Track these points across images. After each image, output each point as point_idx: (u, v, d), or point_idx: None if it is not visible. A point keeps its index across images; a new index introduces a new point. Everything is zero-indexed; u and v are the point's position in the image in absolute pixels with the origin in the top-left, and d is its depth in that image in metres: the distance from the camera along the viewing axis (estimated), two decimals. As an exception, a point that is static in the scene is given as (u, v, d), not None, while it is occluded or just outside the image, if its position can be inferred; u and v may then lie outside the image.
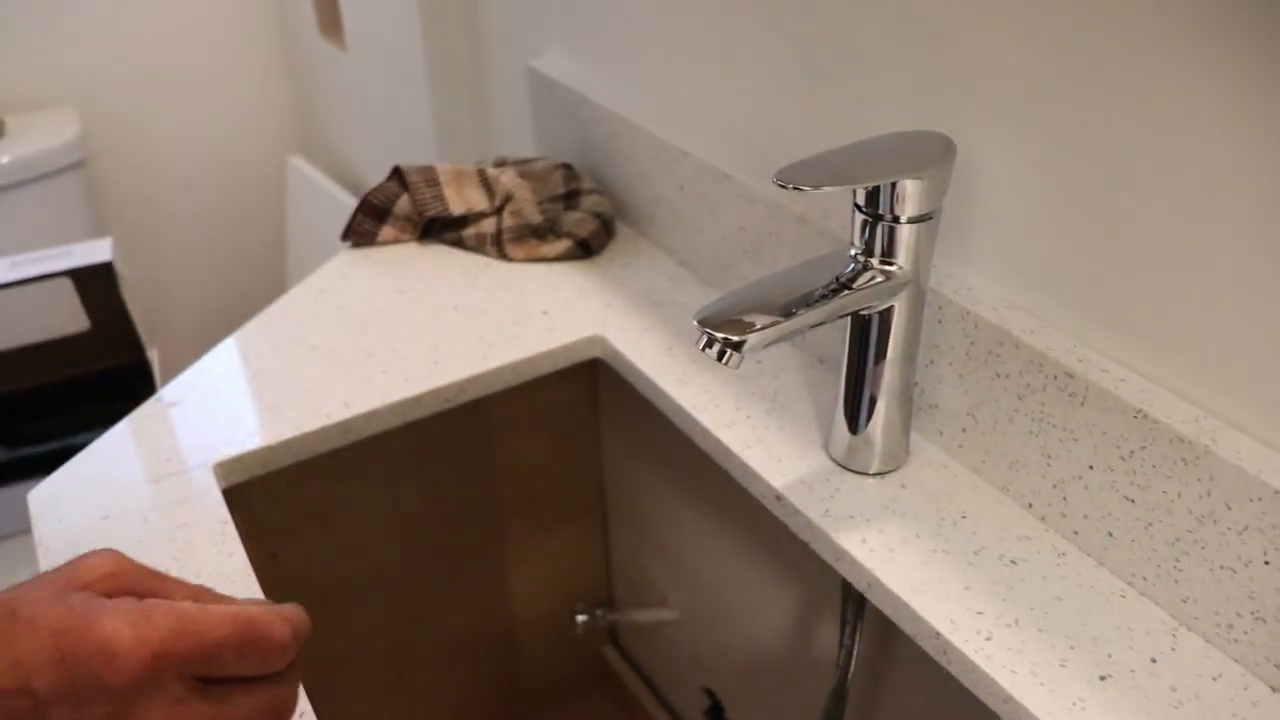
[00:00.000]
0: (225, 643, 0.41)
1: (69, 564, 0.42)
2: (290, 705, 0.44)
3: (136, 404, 0.79)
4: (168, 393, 0.80)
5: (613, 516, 1.10)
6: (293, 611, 0.44)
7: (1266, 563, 0.53)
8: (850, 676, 0.79)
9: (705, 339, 0.57)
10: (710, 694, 1.08)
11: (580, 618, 1.15)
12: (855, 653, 0.77)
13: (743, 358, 0.57)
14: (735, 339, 0.57)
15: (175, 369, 0.83)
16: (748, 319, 0.58)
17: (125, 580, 0.42)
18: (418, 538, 0.94)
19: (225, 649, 0.41)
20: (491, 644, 1.12)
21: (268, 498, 0.77)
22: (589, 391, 0.98)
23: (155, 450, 0.75)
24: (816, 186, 0.55)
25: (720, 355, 0.57)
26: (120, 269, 1.35)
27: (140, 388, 1.47)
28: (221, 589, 0.62)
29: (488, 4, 1.16)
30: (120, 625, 0.39)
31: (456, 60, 1.24)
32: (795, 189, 0.55)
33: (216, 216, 1.84)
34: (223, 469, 0.73)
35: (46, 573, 0.42)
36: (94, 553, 0.43)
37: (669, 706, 1.16)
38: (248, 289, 1.93)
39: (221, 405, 0.78)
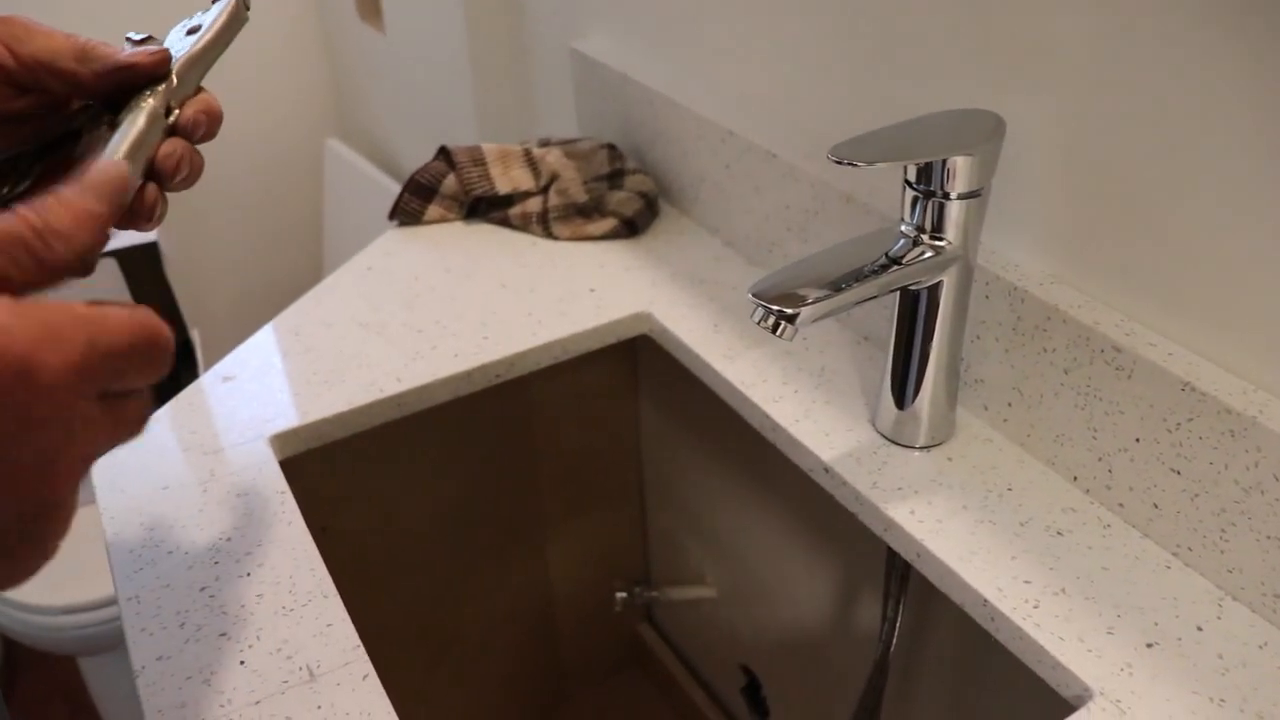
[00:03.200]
0: (131, 349, 0.37)
1: None
2: (150, 411, 0.41)
3: (179, 383, 0.81)
4: (222, 368, 0.82)
5: (650, 495, 1.11)
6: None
7: (1314, 532, 0.54)
8: (893, 649, 0.80)
9: (760, 311, 0.59)
10: (747, 671, 1.10)
11: (619, 595, 1.17)
12: (898, 625, 0.79)
13: (796, 330, 0.58)
14: (789, 311, 0.58)
15: (215, 348, 0.85)
16: (801, 292, 0.59)
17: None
18: (460, 515, 0.96)
19: (132, 355, 0.37)
20: (531, 621, 1.14)
21: (317, 473, 0.79)
22: (628, 371, 0.99)
23: (212, 424, 0.77)
24: (871, 163, 0.56)
25: (775, 327, 0.58)
26: (164, 250, 1.37)
27: (183, 367, 1.50)
28: (282, 556, 0.64)
29: (529, -14, 1.17)
30: (33, 343, 0.34)
31: (498, 42, 1.25)
32: (850, 164, 0.56)
33: (255, 198, 1.86)
34: (278, 441, 0.75)
35: None
36: None
37: (705, 684, 1.18)
38: (285, 269, 1.95)
39: (275, 380, 0.80)
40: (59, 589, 1.39)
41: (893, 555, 0.75)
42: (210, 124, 0.50)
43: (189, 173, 0.48)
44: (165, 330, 0.39)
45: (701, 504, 1.03)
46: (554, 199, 0.97)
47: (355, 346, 0.83)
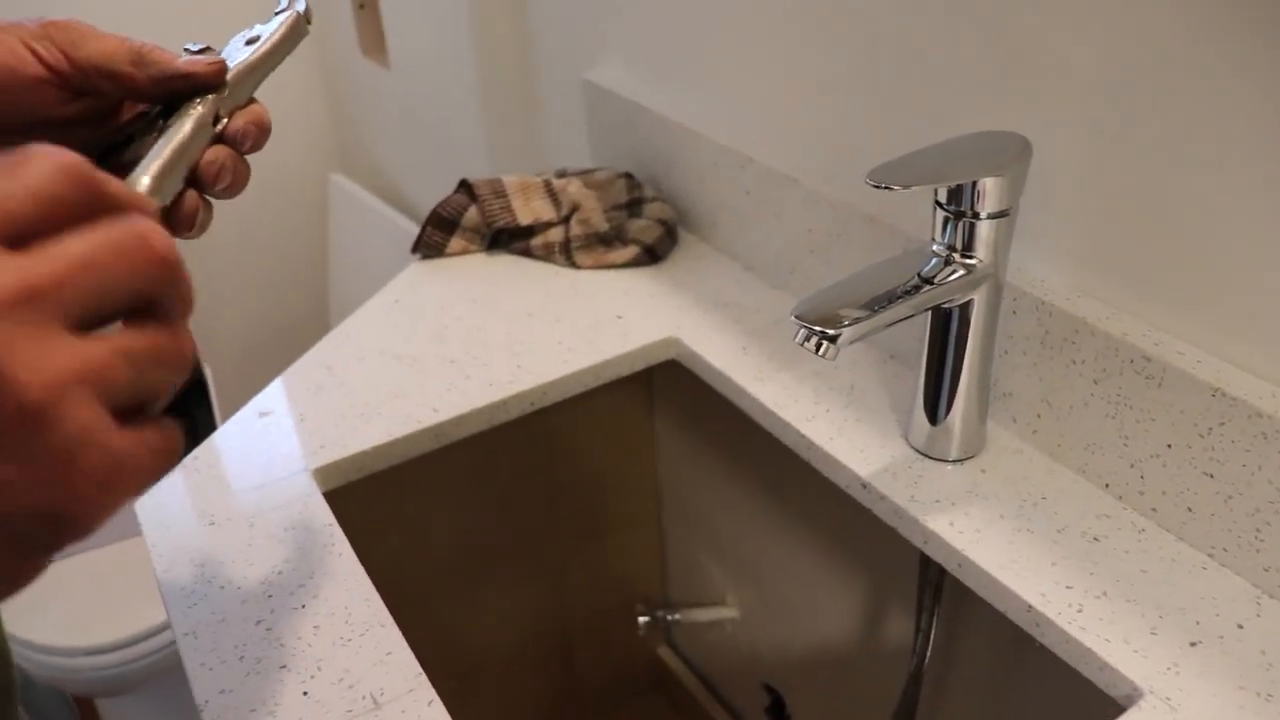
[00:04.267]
0: (151, 350, 0.33)
1: None
2: (190, 351, 0.34)
3: (194, 419, 0.82)
4: (258, 403, 0.84)
5: (669, 519, 1.13)
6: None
7: (1349, 529, 0.56)
8: (927, 661, 0.81)
9: (803, 333, 0.60)
10: (770, 690, 1.11)
11: (642, 619, 1.18)
12: (932, 638, 0.80)
13: (839, 350, 0.60)
14: (831, 332, 0.60)
15: (223, 383, 0.86)
16: (841, 313, 0.61)
17: None
18: (486, 543, 0.97)
19: (151, 356, 0.32)
20: (554, 646, 1.15)
21: (353, 504, 0.80)
22: (644, 397, 1.01)
23: (253, 459, 0.78)
24: (907, 186, 0.58)
25: (818, 347, 0.60)
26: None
27: (197, 403, 1.50)
28: (335, 587, 0.66)
29: (539, 19, 1.19)
30: (28, 364, 0.29)
31: (508, 73, 1.27)
32: (888, 188, 0.58)
33: (260, 233, 1.88)
34: (321, 474, 0.76)
35: None
36: None
37: (728, 704, 1.19)
38: (292, 306, 1.96)
39: (313, 414, 0.82)
40: (79, 631, 1.40)
41: (925, 568, 0.77)
42: (259, 135, 0.50)
43: (231, 181, 0.48)
44: (186, 338, 0.34)
45: (721, 525, 1.04)
46: (576, 228, 0.99)
47: (389, 379, 0.85)
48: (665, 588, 1.20)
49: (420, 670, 0.60)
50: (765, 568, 1.01)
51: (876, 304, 0.62)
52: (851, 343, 0.61)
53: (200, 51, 0.50)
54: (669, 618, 1.18)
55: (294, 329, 1.93)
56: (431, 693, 0.59)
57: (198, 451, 0.79)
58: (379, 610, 0.64)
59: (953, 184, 0.61)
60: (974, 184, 0.61)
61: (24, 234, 0.30)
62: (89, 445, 0.30)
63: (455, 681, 1.03)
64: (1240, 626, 0.60)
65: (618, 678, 1.24)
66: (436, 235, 1.01)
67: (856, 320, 0.61)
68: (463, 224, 1.01)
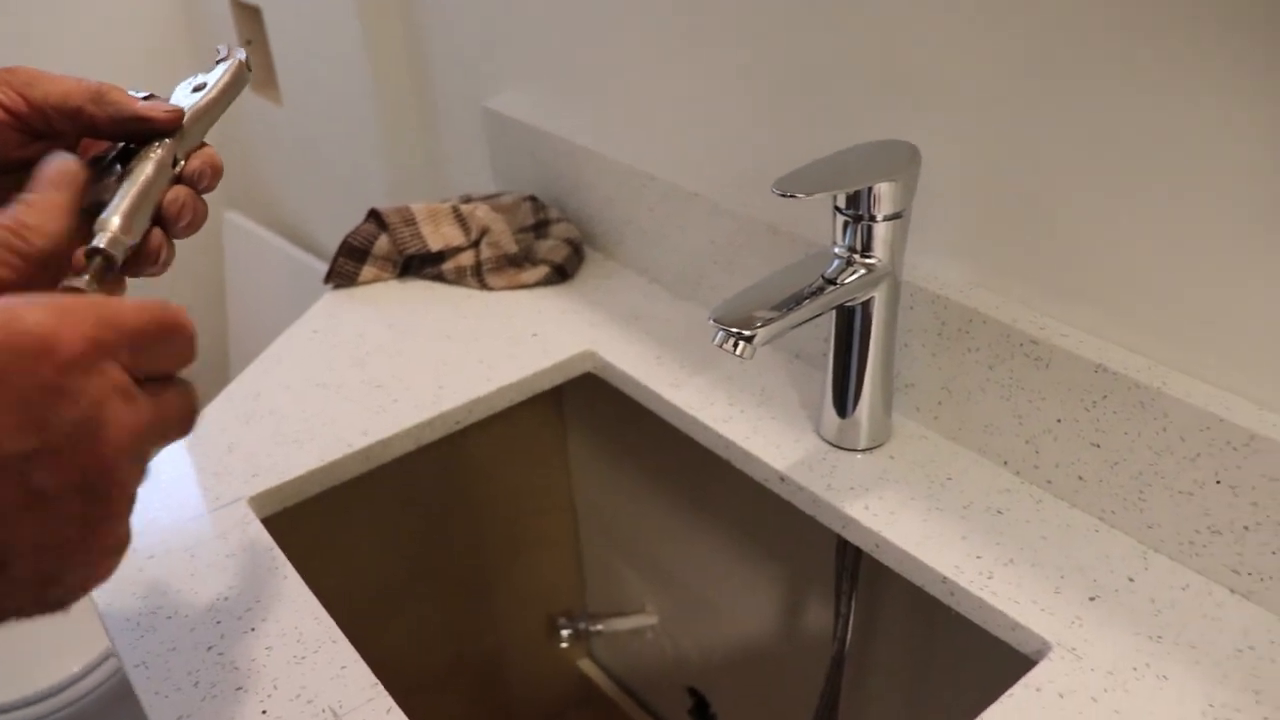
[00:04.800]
0: (146, 330, 0.39)
1: None
2: (198, 406, 0.43)
3: None
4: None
5: (585, 532, 1.16)
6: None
7: (1218, 482, 0.62)
8: (848, 645, 0.86)
9: (721, 334, 0.65)
10: (693, 692, 1.14)
11: (564, 631, 1.20)
12: (851, 619, 0.85)
13: (755, 349, 0.64)
14: (747, 332, 0.64)
15: None
16: (755, 314, 0.65)
17: None
18: (413, 566, 0.99)
19: (147, 337, 0.39)
20: (481, 666, 1.17)
21: (290, 528, 0.81)
22: (554, 413, 1.04)
23: (188, 488, 0.79)
24: (810, 193, 0.63)
25: (735, 347, 0.64)
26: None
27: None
28: (283, 608, 0.67)
29: (435, 49, 1.22)
30: (41, 316, 0.35)
31: (406, 104, 1.30)
32: (793, 196, 0.62)
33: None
34: (258, 501, 0.78)
35: None
36: None
37: (653, 711, 1.22)
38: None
39: (242, 443, 0.83)
40: (13, 684, 1.37)
41: (842, 554, 0.81)
42: (213, 175, 0.53)
43: (192, 219, 0.51)
44: (182, 315, 0.40)
45: (637, 534, 1.08)
46: (486, 251, 1.02)
47: (316, 406, 0.86)
48: (585, 600, 1.23)
49: (376, 680, 0.62)
50: (683, 572, 1.04)
51: (787, 305, 0.66)
52: (766, 342, 0.65)
53: (148, 98, 0.52)
54: (590, 629, 1.21)
55: (197, 365, 1.90)
56: (389, 701, 0.61)
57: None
58: (329, 627, 0.66)
59: (851, 190, 0.66)
60: (870, 189, 0.66)
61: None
62: (114, 399, 0.36)
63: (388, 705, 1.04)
64: (1131, 580, 0.66)
65: (545, 694, 1.27)
66: (349, 265, 1.03)
67: (769, 320, 0.65)
68: (374, 253, 1.03)
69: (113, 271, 0.47)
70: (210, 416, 0.87)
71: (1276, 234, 0.57)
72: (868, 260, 0.69)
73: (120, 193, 0.48)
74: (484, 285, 1.02)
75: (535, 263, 1.02)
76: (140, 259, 0.50)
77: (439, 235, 1.03)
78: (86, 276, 0.46)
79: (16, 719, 1.36)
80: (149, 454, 0.39)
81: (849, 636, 0.86)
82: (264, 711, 0.61)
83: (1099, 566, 0.67)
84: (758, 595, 0.95)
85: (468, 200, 1.08)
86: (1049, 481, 0.72)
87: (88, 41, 1.71)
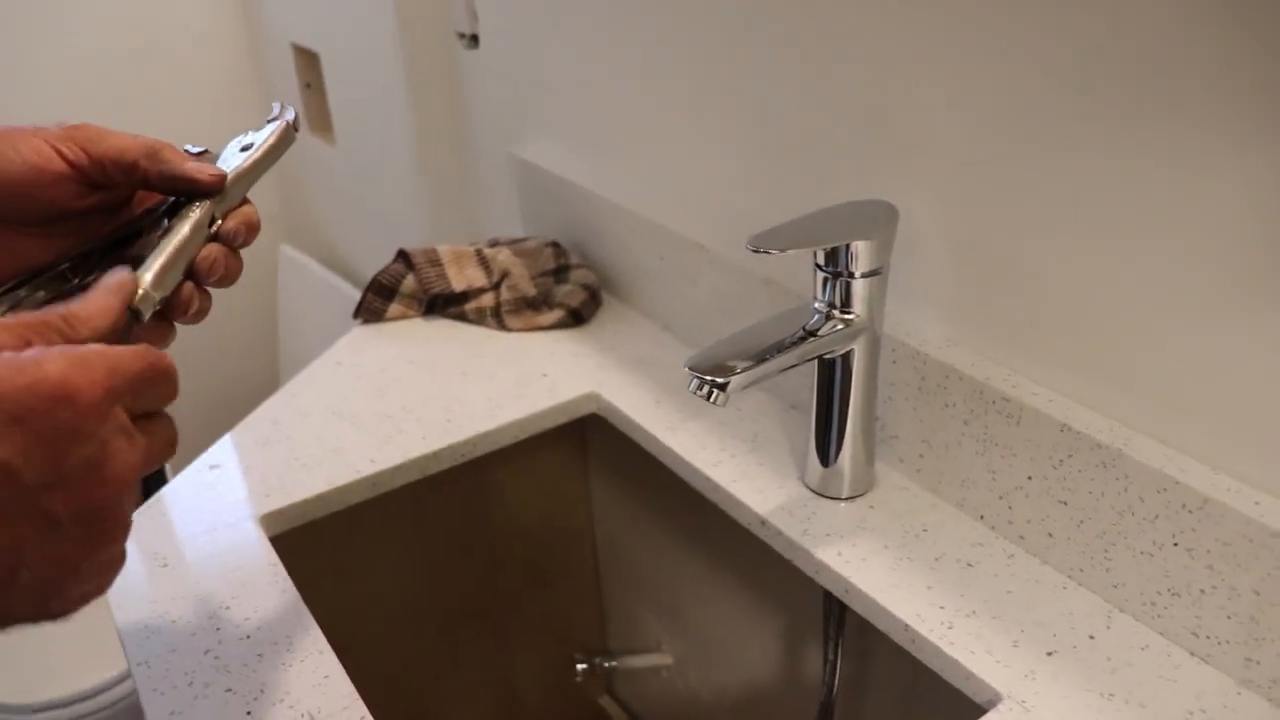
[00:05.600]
0: (145, 374, 0.43)
1: None
2: (176, 435, 0.47)
3: (146, 484, 0.87)
4: (209, 457, 0.89)
5: (605, 568, 1.19)
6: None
7: (1175, 544, 0.64)
8: (836, 689, 0.88)
9: (695, 382, 0.68)
10: (703, 732, 1.16)
11: (580, 666, 1.23)
12: (839, 666, 0.86)
13: (728, 397, 0.67)
14: (720, 380, 0.67)
15: (180, 441, 0.91)
16: (730, 363, 0.68)
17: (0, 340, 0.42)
18: (428, 593, 1.02)
19: (145, 380, 0.43)
20: (495, 696, 1.19)
21: (298, 549, 0.85)
22: (578, 453, 1.07)
23: (202, 506, 0.83)
24: (783, 249, 0.66)
25: (709, 395, 0.67)
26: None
27: (151, 479, 1.55)
28: (278, 620, 0.71)
29: (473, 100, 1.28)
30: (66, 369, 0.40)
31: (445, 150, 1.36)
32: (765, 252, 0.66)
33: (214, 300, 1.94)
34: (267, 521, 0.82)
35: None
36: None
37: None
38: (243, 372, 2.01)
39: (258, 466, 0.87)
40: (33, 688, 1.43)
41: (829, 601, 0.83)
42: (249, 234, 0.58)
43: (223, 274, 0.56)
44: (168, 359, 0.46)
45: (654, 574, 1.10)
46: (505, 294, 1.06)
47: (331, 433, 0.91)
48: (604, 636, 1.25)
49: (354, 690, 0.66)
50: (695, 613, 1.07)
51: (763, 354, 0.69)
52: (741, 389, 0.68)
53: (200, 154, 0.58)
54: (605, 665, 1.24)
55: (246, 391, 1.98)
56: (364, 710, 0.64)
57: (152, 500, 0.84)
58: (318, 639, 0.70)
59: (825, 247, 0.69)
60: (847, 247, 0.69)
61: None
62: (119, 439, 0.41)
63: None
64: (1092, 637, 0.67)
65: (561, 727, 1.29)
66: (376, 301, 1.08)
67: (744, 369, 0.68)
68: (401, 291, 1.08)
69: (139, 322, 0.52)
70: (232, 440, 0.91)
71: (1236, 302, 0.59)
72: (846, 315, 0.72)
73: (156, 250, 0.53)
74: (503, 326, 1.06)
75: (552, 306, 1.06)
76: (173, 308, 0.55)
77: (462, 276, 1.07)
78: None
79: (64, 715, 1.42)
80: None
81: (836, 682, 0.87)
82: (248, 713, 0.65)
83: (1061, 623, 0.68)
84: (761, 639, 0.97)
85: (494, 243, 1.12)
86: (1021, 537, 0.74)
87: (164, 81, 1.80)
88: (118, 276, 0.50)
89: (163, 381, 0.45)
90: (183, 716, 0.64)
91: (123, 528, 0.43)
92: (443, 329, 1.07)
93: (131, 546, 0.79)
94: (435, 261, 1.08)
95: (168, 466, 1.55)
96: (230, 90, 1.86)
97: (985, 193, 0.70)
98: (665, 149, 0.98)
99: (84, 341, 0.45)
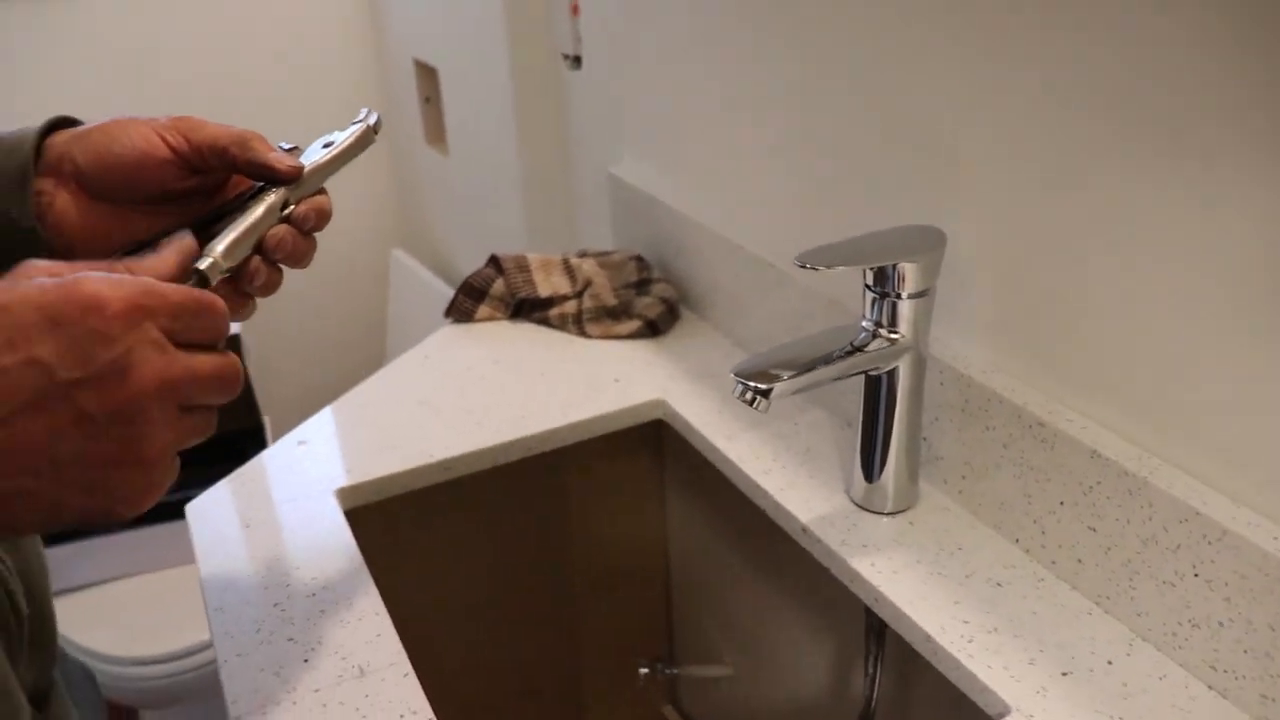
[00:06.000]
0: (186, 304, 0.48)
1: (5, 276, 0.47)
2: (240, 375, 0.51)
3: (244, 445, 0.94)
4: (298, 433, 0.96)
5: (675, 577, 1.22)
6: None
7: (1196, 575, 0.65)
8: (875, 702, 0.90)
9: (740, 387, 0.71)
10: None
11: (642, 670, 1.26)
12: (879, 680, 0.89)
13: (770, 403, 0.71)
14: (764, 387, 0.71)
15: (282, 429, 1.00)
16: (774, 371, 0.72)
17: (60, 272, 0.47)
18: (499, 583, 1.08)
19: (187, 310, 0.48)
20: (557, 692, 1.24)
21: (376, 528, 0.91)
22: (654, 462, 1.11)
23: (288, 477, 0.90)
24: (830, 266, 0.70)
25: (752, 400, 0.71)
26: (246, 342, 1.54)
27: (254, 452, 1.65)
28: (342, 582, 0.77)
29: (574, 119, 1.34)
30: (99, 284, 0.45)
31: (546, 166, 1.42)
32: (813, 268, 0.69)
33: (327, 301, 2.05)
34: (343, 494, 0.88)
35: None
36: (23, 265, 0.47)
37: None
38: (350, 367, 2.12)
39: (343, 445, 0.94)
40: (130, 643, 1.53)
41: (870, 616, 0.86)
42: (318, 219, 0.64)
43: (290, 253, 0.62)
44: (214, 298, 0.50)
45: (720, 587, 1.13)
46: (588, 302, 1.11)
47: (412, 420, 0.97)
48: (671, 645, 1.28)
49: (401, 648, 0.71)
50: (755, 626, 1.10)
51: (808, 365, 0.73)
52: (785, 397, 0.72)
53: (290, 149, 0.65)
54: (667, 671, 1.27)
55: (351, 381, 2.09)
56: (408, 666, 0.70)
57: (245, 468, 0.92)
58: (376, 604, 0.76)
59: (871, 266, 0.73)
60: (894, 268, 0.73)
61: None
62: (147, 348, 0.46)
63: (458, 716, 1.12)
64: (1110, 663, 0.68)
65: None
66: (467, 302, 1.15)
67: (788, 378, 0.72)
68: (490, 294, 1.14)
69: (207, 286, 0.58)
70: (322, 419, 0.99)
71: (1266, 341, 0.61)
72: (892, 334, 0.75)
73: (230, 228, 0.60)
74: (583, 333, 1.11)
75: (631, 316, 1.11)
76: (242, 277, 0.61)
77: (548, 283, 1.13)
78: (191, 282, 0.58)
79: (156, 671, 1.52)
80: (188, 400, 0.49)
81: (875, 695, 0.90)
82: (305, 660, 0.71)
83: (1081, 646, 0.70)
84: (812, 653, 1.00)
85: (583, 254, 1.18)
86: (1053, 562, 0.75)
87: (300, 90, 1.93)
88: (181, 238, 0.56)
89: (205, 314, 0.49)
90: (247, 658, 0.71)
91: (155, 429, 0.47)
92: (526, 332, 1.13)
93: (223, 506, 0.86)
94: (524, 268, 1.14)
95: (266, 422, 1.65)
96: (358, 101, 1.97)
97: (1029, 224, 0.72)
98: (743, 173, 1.02)
99: None
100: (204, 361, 0.49)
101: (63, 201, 0.61)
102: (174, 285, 0.49)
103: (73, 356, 0.44)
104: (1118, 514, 0.69)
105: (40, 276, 0.45)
